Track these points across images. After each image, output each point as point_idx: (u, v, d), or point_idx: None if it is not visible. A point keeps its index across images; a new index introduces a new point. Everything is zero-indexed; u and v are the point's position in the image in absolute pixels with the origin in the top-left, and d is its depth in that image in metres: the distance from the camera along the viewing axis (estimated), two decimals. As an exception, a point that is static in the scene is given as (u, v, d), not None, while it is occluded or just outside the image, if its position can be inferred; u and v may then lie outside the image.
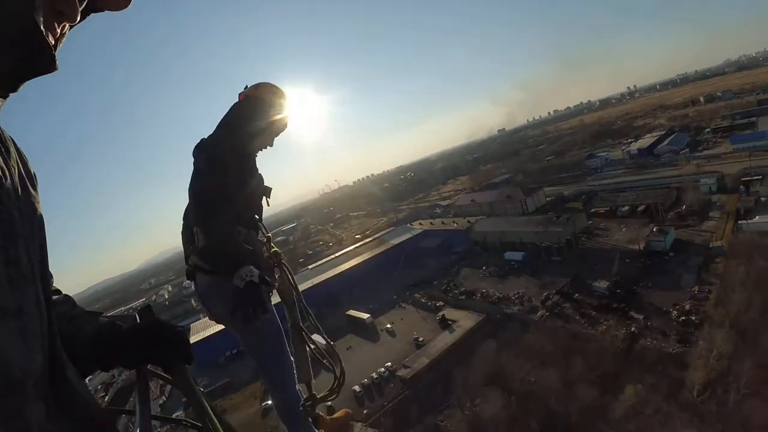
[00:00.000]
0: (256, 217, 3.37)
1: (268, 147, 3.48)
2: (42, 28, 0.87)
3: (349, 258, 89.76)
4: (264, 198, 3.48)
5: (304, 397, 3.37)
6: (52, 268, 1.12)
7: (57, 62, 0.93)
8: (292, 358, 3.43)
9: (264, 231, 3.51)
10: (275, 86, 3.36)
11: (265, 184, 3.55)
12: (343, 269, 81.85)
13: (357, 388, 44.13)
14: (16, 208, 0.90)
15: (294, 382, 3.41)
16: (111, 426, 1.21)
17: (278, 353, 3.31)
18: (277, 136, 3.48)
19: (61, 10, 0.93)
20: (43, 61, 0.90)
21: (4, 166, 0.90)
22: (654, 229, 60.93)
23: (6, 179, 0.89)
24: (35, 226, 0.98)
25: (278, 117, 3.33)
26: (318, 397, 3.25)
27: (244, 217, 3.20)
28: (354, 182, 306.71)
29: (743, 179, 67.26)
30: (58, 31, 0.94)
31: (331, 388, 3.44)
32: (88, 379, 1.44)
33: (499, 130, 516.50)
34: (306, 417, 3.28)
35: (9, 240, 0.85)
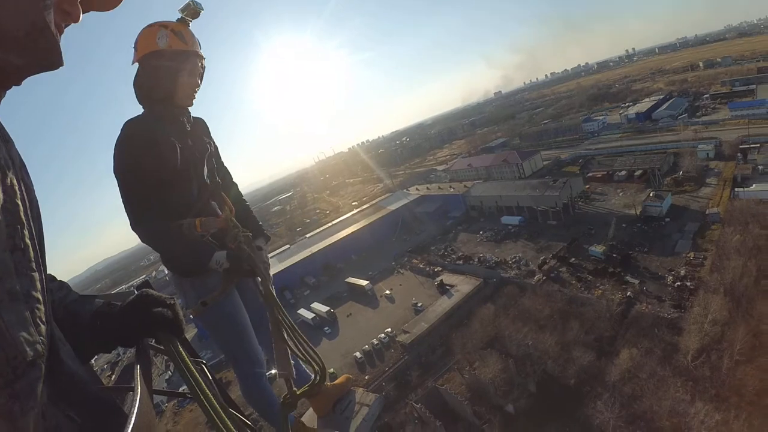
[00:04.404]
0: (199, 191, 3.04)
1: (195, 91, 3.01)
2: (51, 26, 0.91)
3: (347, 225, 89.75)
4: (205, 160, 3.11)
5: (284, 393, 3.28)
6: (49, 253, 1.13)
7: (63, 59, 0.96)
8: (253, 349, 3.31)
9: (218, 208, 3.15)
10: (157, 25, 2.80)
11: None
12: (341, 236, 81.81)
13: (358, 354, 44.97)
14: (20, 197, 0.93)
15: (252, 375, 3.32)
16: (112, 404, 1.26)
17: (229, 343, 3.29)
18: (196, 76, 2.97)
19: (68, 10, 0.98)
20: (51, 58, 0.94)
21: (7, 156, 0.93)
22: (651, 194, 61.21)
23: (9, 169, 0.92)
24: (35, 212, 1.01)
25: (184, 49, 2.81)
26: (297, 393, 3.19)
27: (177, 202, 2.92)
28: (349, 149, 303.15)
29: (741, 147, 67.13)
30: (63, 29, 0.98)
31: (312, 384, 3.28)
32: (93, 359, 1.48)
33: (495, 93, 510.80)
34: (284, 414, 3.03)
35: (15, 228, 0.88)
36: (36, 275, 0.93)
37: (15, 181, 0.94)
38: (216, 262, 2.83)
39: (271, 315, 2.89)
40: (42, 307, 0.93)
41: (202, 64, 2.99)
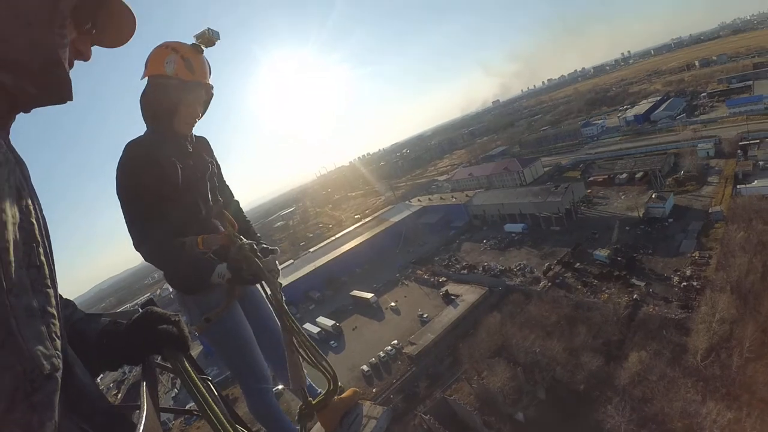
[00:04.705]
0: (201, 210, 3.07)
1: (195, 120, 3.07)
2: (65, 64, 0.99)
3: (350, 239, 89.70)
4: (206, 180, 3.13)
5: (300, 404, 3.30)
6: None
7: (72, 94, 1.04)
8: (258, 365, 3.32)
9: (220, 226, 3.19)
10: (170, 47, 2.81)
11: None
12: (345, 250, 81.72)
13: (365, 367, 44.64)
14: (34, 216, 0.97)
15: (258, 390, 3.32)
16: (123, 418, 1.31)
17: (234, 359, 3.29)
18: (197, 106, 3.02)
19: (80, 49, 1.07)
20: (61, 92, 1.01)
21: (21, 177, 0.97)
22: (653, 196, 61.15)
23: (24, 189, 0.96)
24: (46, 232, 1.05)
25: (188, 80, 2.83)
26: (314, 403, 3.23)
27: (179, 221, 2.92)
28: (350, 162, 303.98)
29: (741, 143, 67.21)
30: (73, 64, 1.06)
31: (326, 392, 3.22)
32: (99, 378, 1.54)
33: (493, 102, 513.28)
34: (303, 425, 3.06)
35: (31, 247, 0.93)
36: (51, 292, 0.96)
37: (30, 201, 0.97)
38: (218, 275, 2.81)
39: (282, 324, 2.93)
40: (57, 322, 0.96)
41: (208, 93, 3.04)
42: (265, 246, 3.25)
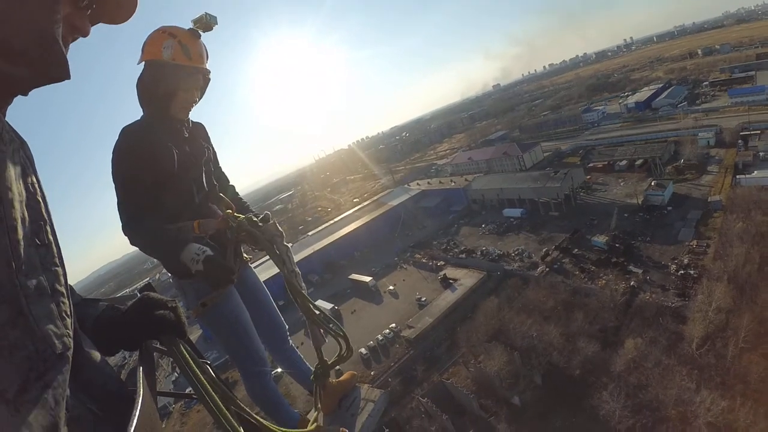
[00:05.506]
0: (197, 196, 3.04)
1: (192, 105, 3.04)
2: (60, 41, 0.95)
3: (349, 222, 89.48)
4: (202, 165, 3.11)
5: (315, 366, 3.35)
6: None
7: (70, 72, 1.00)
8: (255, 348, 3.29)
9: (218, 208, 3.20)
10: (167, 32, 2.76)
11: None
12: (343, 234, 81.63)
13: (363, 350, 44.72)
14: (40, 195, 0.97)
15: (256, 373, 3.31)
16: (130, 399, 1.24)
17: (231, 343, 3.25)
18: (194, 91, 2.99)
19: (77, 25, 1.03)
20: (58, 71, 0.97)
21: (25, 156, 0.97)
22: (652, 183, 61.10)
23: (29, 168, 0.96)
24: (50, 211, 1.04)
25: (186, 65, 2.80)
26: (329, 363, 3.26)
27: (174, 206, 2.91)
28: (349, 146, 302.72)
29: (741, 133, 66.91)
30: (70, 42, 1.03)
31: (340, 354, 3.37)
32: None
33: (494, 86, 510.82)
34: (317, 384, 3.28)
35: (39, 225, 0.93)
36: (60, 270, 0.96)
37: (35, 180, 0.97)
38: (192, 252, 2.62)
39: (290, 287, 3.05)
40: (66, 301, 0.95)
41: (205, 78, 3.01)
42: (262, 215, 3.22)
